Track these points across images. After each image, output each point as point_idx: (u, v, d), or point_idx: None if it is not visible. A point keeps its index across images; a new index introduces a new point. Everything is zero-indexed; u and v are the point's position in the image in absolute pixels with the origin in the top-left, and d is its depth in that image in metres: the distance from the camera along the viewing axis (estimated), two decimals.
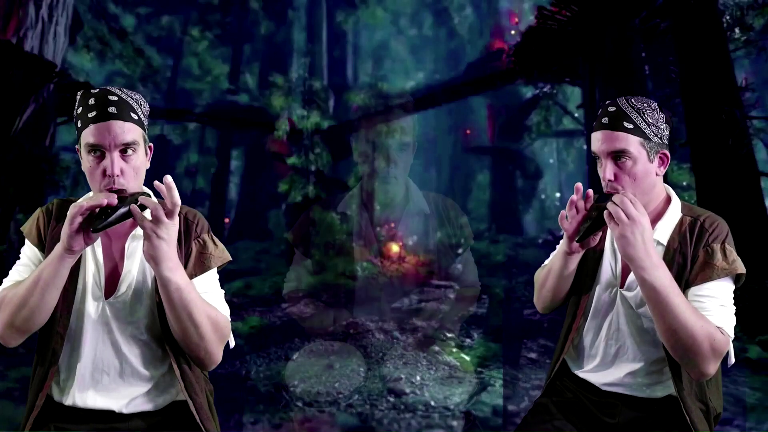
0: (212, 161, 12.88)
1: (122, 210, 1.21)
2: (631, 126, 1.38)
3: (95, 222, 1.20)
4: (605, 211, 1.32)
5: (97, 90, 1.30)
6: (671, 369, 1.41)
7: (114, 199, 1.22)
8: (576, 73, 9.23)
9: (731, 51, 6.31)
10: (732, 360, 1.39)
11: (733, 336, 1.36)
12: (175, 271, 1.25)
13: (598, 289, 1.53)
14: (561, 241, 1.52)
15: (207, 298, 1.37)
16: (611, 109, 1.41)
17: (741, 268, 1.39)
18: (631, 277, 1.46)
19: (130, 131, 1.29)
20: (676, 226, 1.46)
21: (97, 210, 1.21)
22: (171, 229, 1.23)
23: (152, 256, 1.23)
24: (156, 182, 1.23)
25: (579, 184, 1.42)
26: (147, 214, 1.24)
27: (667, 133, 1.44)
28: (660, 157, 1.43)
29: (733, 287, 1.41)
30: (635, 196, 1.37)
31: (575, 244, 1.43)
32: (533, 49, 9.29)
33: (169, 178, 1.22)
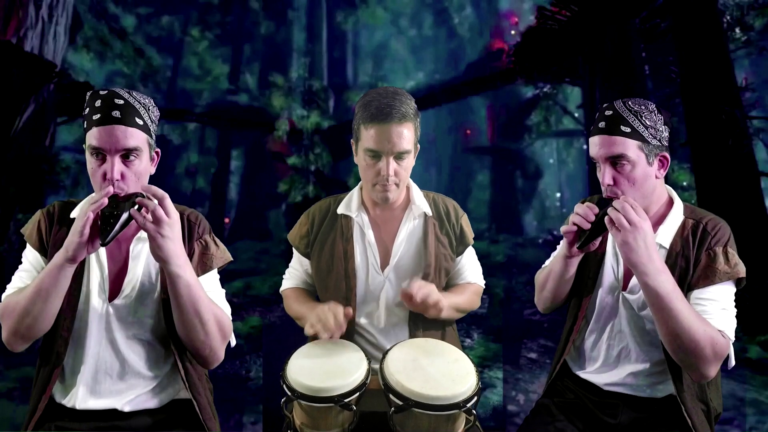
0: (212, 161, 12.88)
1: (123, 217, 1.20)
2: (629, 129, 1.36)
3: (101, 235, 1.20)
4: (606, 217, 1.31)
5: (106, 92, 1.29)
6: (671, 370, 1.42)
7: (110, 190, 1.22)
8: (576, 73, 9.24)
9: (731, 51, 6.31)
10: (732, 362, 1.39)
11: (733, 339, 1.36)
12: (184, 267, 1.26)
13: (600, 292, 1.53)
14: (560, 244, 1.51)
15: (210, 297, 1.37)
16: (608, 113, 1.40)
17: (742, 272, 1.39)
18: (634, 280, 1.46)
19: (132, 136, 1.28)
20: (679, 229, 1.45)
21: (100, 222, 1.21)
22: (174, 226, 1.23)
23: (160, 256, 1.23)
24: (140, 194, 1.24)
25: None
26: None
27: (667, 134, 1.42)
28: (660, 160, 1.41)
29: (734, 290, 1.41)
30: (635, 201, 1.36)
31: (575, 249, 1.42)
32: (533, 49, 9.30)
33: (143, 185, 1.26)
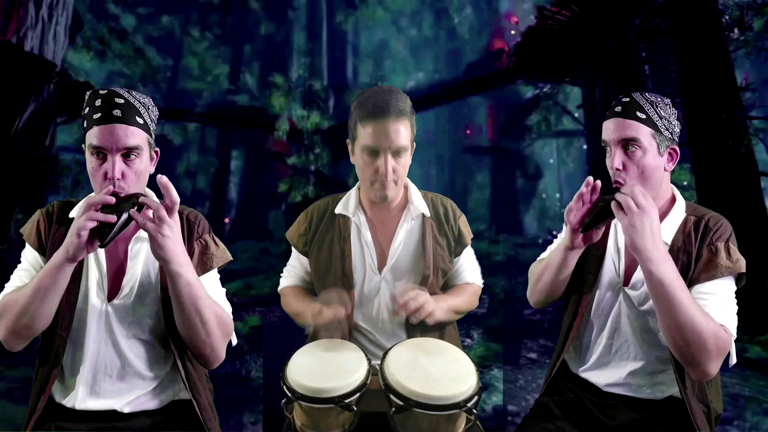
0: (212, 161, 12.90)
1: (123, 217, 1.20)
2: (644, 116, 1.38)
3: (100, 236, 1.19)
4: (613, 202, 1.30)
5: (105, 91, 1.29)
6: (676, 370, 1.41)
7: (111, 199, 1.20)
8: (576, 73, 9.25)
9: (731, 51, 6.32)
10: (733, 360, 1.38)
11: (735, 335, 1.35)
12: (185, 267, 1.26)
13: (600, 288, 1.52)
14: (561, 235, 1.50)
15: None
16: (625, 99, 1.43)
17: (743, 267, 1.39)
18: (636, 276, 1.45)
19: (133, 135, 1.28)
20: (681, 225, 1.45)
21: (99, 223, 1.19)
22: (174, 226, 1.23)
23: (161, 256, 1.22)
24: (159, 176, 1.21)
25: (590, 178, 1.40)
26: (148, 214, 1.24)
27: (678, 130, 1.44)
28: (669, 153, 1.43)
29: (735, 287, 1.40)
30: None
31: (578, 240, 1.42)
32: (533, 49, 9.31)
33: (164, 178, 1.21)
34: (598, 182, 1.37)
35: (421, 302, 1.52)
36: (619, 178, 1.39)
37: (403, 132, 1.54)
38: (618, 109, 1.41)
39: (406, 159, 1.60)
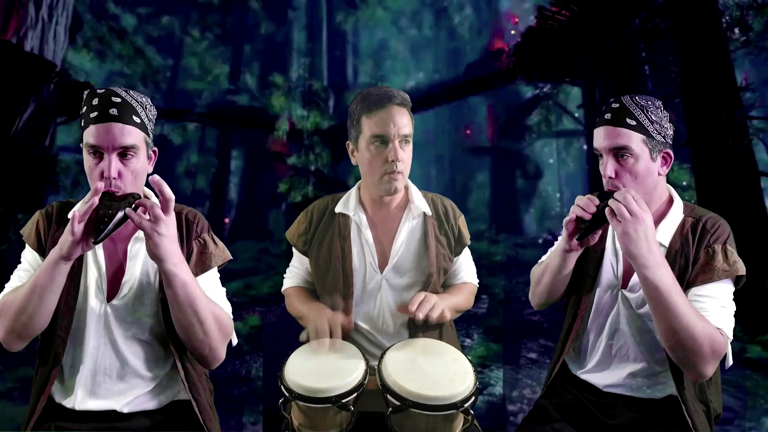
0: (212, 161, 12.88)
1: (119, 216, 1.20)
2: (634, 123, 1.37)
3: (94, 233, 1.19)
4: (607, 208, 1.29)
5: (103, 90, 1.29)
6: (673, 371, 1.41)
7: (98, 196, 1.19)
8: (576, 73, 9.24)
9: (731, 51, 6.32)
10: (730, 362, 1.38)
11: (732, 337, 1.35)
12: (179, 266, 1.26)
13: (599, 290, 1.52)
14: (560, 238, 1.51)
15: (209, 296, 1.36)
16: (615, 105, 1.41)
17: (742, 270, 1.38)
18: (634, 279, 1.45)
19: (130, 134, 1.29)
20: (678, 227, 1.45)
21: (94, 221, 1.20)
22: (170, 224, 1.23)
23: (156, 254, 1.22)
24: (150, 177, 1.21)
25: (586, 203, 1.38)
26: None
27: (671, 132, 1.42)
28: (663, 157, 1.41)
29: (733, 289, 1.40)
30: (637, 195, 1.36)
31: (574, 242, 1.41)
32: (533, 49, 9.31)
33: (156, 176, 1.20)
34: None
35: (433, 303, 1.52)
36: (612, 186, 1.38)
37: (406, 121, 1.58)
38: (608, 116, 1.39)
39: (410, 151, 1.62)
